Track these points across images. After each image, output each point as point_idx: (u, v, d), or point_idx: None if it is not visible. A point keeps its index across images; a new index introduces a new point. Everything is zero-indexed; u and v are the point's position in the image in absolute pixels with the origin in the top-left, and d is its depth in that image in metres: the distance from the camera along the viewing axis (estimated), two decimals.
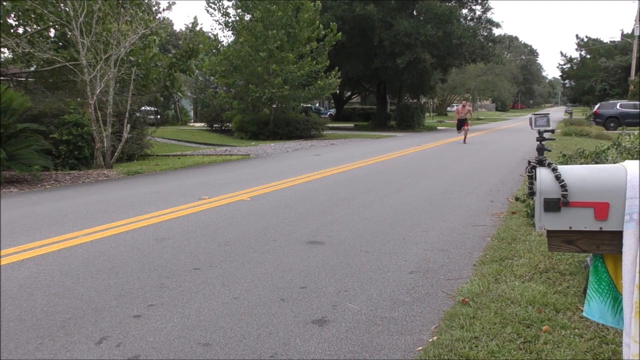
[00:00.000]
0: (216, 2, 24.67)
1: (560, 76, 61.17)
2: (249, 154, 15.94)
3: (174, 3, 14.69)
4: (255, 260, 4.55)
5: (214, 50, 23.55)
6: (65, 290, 3.82)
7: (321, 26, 22.99)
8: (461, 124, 20.25)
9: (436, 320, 3.29)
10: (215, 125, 27.47)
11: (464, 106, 20.40)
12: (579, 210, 1.81)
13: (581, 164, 7.04)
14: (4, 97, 9.54)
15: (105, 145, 11.85)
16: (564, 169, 1.85)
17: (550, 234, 1.90)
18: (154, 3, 17.82)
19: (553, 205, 1.82)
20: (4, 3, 11.52)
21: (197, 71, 19.57)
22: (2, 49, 12.32)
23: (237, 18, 23.97)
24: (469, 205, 7.15)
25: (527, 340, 2.94)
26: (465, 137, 19.69)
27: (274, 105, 23.27)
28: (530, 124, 2.75)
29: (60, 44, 13.22)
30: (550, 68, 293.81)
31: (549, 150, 2.53)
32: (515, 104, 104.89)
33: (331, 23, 23.83)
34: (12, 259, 4.58)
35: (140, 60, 12.66)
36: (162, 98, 20.62)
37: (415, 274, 4.21)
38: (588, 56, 49.63)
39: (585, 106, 50.82)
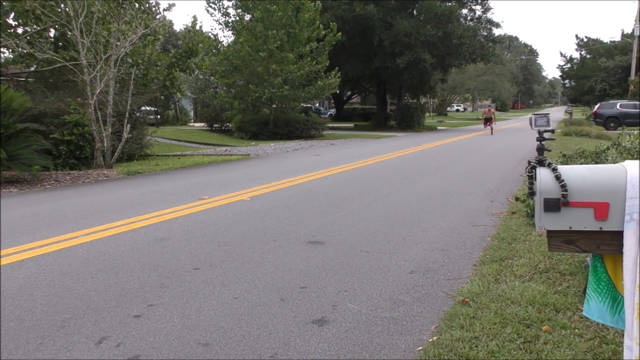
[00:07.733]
0: (216, 2, 24.70)
1: (560, 76, 61.07)
2: (249, 154, 15.93)
3: (173, 5, 14.74)
4: (255, 260, 4.55)
5: (214, 50, 23.56)
6: (65, 290, 3.82)
7: (321, 26, 22.99)
8: None
9: (436, 320, 3.29)
10: (215, 125, 27.46)
11: None
12: (579, 210, 1.80)
13: (581, 164, 7.03)
14: (4, 97, 9.54)
15: (105, 145, 11.85)
16: (564, 169, 1.85)
17: (550, 234, 1.90)
18: (153, 3, 17.84)
19: (553, 205, 1.81)
20: (4, 3, 11.51)
21: (197, 71, 19.55)
22: (2, 49, 12.33)
23: (237, 18, 23.99)
24: (469, 205, 7.15)
25: (527, 340, 2.94)
26: None
27: (274, 105, 23.27)
28: (530, 124, 2.75)
29: (60, 44, 13.21)
30: (550, 68, 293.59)
31: (549, 150, 2.52)
32: (516, 103, 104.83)
33: (331, 23, 23.83)
34: (12, 259, 4.58)
35: (139, 60, 12.66)
36: (162, 97, 20.62)
37: (415, 274, 4.20)
38: (588, 56, 49.57)
39: (586, 106, 50.76)
